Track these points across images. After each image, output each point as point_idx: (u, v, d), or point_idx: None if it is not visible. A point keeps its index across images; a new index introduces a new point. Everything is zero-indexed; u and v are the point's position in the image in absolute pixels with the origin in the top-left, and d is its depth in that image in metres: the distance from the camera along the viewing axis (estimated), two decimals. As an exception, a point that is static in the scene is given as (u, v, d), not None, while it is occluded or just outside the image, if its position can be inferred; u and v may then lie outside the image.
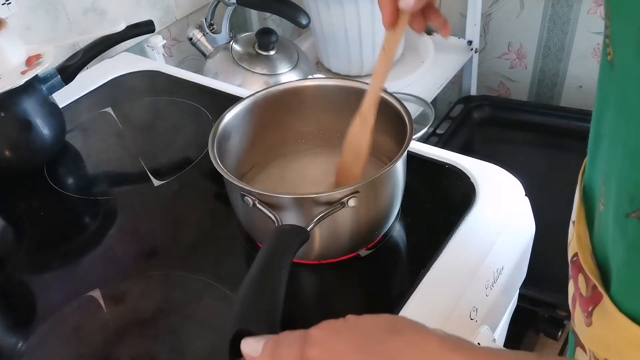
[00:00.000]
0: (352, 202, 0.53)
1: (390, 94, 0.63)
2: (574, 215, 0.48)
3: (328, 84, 0.68)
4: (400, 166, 0.58)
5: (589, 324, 0.42)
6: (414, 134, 1.05)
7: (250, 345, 0.37)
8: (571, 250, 0.47)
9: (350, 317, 0.36)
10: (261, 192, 0.53)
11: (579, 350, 0.47)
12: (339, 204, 0.53)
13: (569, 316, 1.07)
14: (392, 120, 0.61)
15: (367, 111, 0.58)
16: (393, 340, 0.33)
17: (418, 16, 0.52)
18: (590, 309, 0.42)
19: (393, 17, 0.51)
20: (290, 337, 0.36)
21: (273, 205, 0.53)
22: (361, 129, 0.59)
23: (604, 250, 0.41)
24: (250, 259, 0.63)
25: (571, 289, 0.48)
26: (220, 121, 0.62)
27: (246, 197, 0.54)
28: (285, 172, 0.69)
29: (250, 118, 0.66)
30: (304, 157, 0.71)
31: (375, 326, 0.35)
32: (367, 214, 0.57)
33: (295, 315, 0.58)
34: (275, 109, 0.67)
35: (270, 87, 0.67)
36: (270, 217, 0.53)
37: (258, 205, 0.54)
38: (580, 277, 0.44)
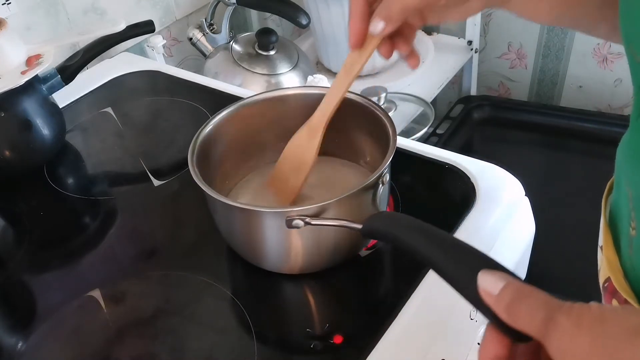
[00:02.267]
0: (387, 178, 0.54)
1: (371, 101, 0.63)
2: (601, 241, 0.47)
3: (311, 92, 0.66)
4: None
5: None
6: (414, 134, 1.05)
7: (488, 281, 0.32)
8: (602, 276, 0.46)
9: (594, 307, 0.30)
10: (309, 207, 0.51)
11: None
12: (380, 183, 0.54)
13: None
14: (375, 126, 0.61)
15: (318, 125, 0.57)
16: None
17: (386, 42, 0.51)
18: None
19: (360, 39, 0.50)
20: (535, 301, 0.30)
21: (325, 215, 0.52)
22: (308, 141, 0.58)
23: (638, 274, 0.40)
24: (250, 259, 0.63)
25: None
26: (198, 136, 0.61)
27: (295, 220, 0.51)
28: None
29: (231, 128, 0.65)
30: None
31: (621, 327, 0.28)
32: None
33: (295, 314, 0.58)
34: (258, 118, 0.66)
35: (251, 96, 0.66)
36: (343, 226, 0.50)
37: (313, 222, 0.51)
38: (615, 303, 0.43)
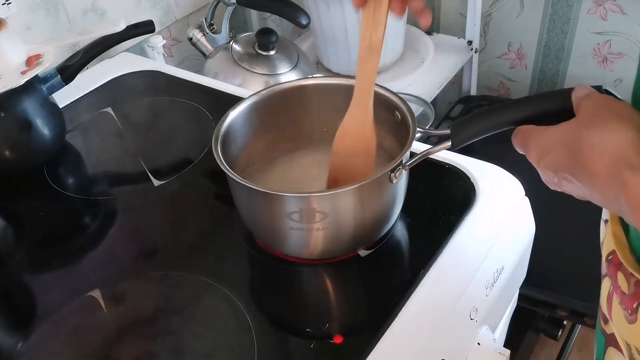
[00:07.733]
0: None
1: (391, 91, 0.63)
2: (605, 215, 0.47)
3: (330, 82, 0.68)
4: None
5: (633, 321, 0.42)
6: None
7: (585, 89, 0.42)
8: (606, 249, 0.47)
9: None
10: (395, 162, 0.55)
11: (612, 350, 0.46)
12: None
13: (569, 316, 1.07)
14: (390, 116, 0.61)
15: (365, 100, 0.57)
16: None
17: None
18: (635, 306, 0.41)
19: None
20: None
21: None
22: (363, 121, 0.58)
23: None
24: (250, 259, 0.63)
25: (605, 288, 0.47)
26: (224, 121, 0.62)
27: (397, 171, 0.55)
28: (286, 171, 0.69)
29: (252, 117, 0.65)
30: (305, 156, 0.71)
31: None
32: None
33: (295, 314, 0.58)
34: (277, 108, 0.67)
35: (271, 86, 0.67)
36: (434, 152, 0.55)
37: (408, 164, 0.55)
38: (620, 275, 0.43)
